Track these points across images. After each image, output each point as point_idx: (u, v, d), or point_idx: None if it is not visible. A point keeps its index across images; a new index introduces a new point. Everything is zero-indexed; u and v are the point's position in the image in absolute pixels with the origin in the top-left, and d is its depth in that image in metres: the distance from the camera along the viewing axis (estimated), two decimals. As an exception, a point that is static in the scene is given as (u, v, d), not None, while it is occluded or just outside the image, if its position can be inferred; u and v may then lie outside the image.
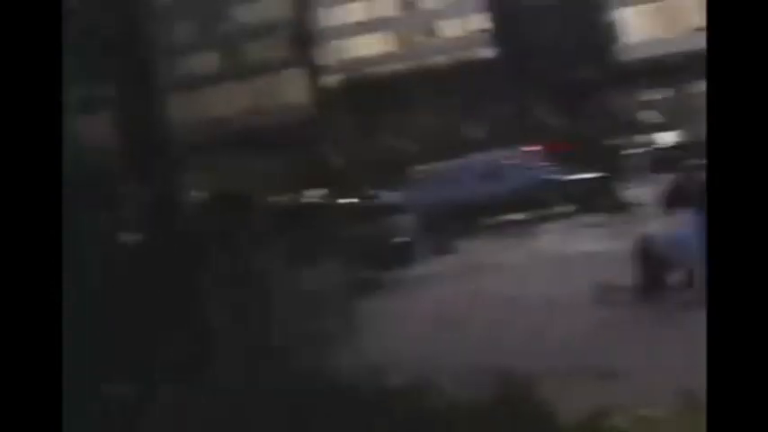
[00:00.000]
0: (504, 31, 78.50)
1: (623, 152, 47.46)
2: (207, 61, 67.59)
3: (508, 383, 6.36)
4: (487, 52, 73.84)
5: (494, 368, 6.98)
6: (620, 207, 24.82)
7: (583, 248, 16.48)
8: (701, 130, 41.14)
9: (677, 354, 6.70)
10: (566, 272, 12.85)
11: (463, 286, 13.17)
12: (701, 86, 70.88)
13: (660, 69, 75.66)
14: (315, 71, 69.73)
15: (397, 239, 18.88)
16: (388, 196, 45.47)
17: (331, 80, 71.00)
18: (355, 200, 40.12)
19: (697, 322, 7.20)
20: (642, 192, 30.16)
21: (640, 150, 60.02)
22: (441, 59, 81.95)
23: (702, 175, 8.60)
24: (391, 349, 8.29)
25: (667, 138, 65.58)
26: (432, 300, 12.16)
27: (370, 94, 56.62)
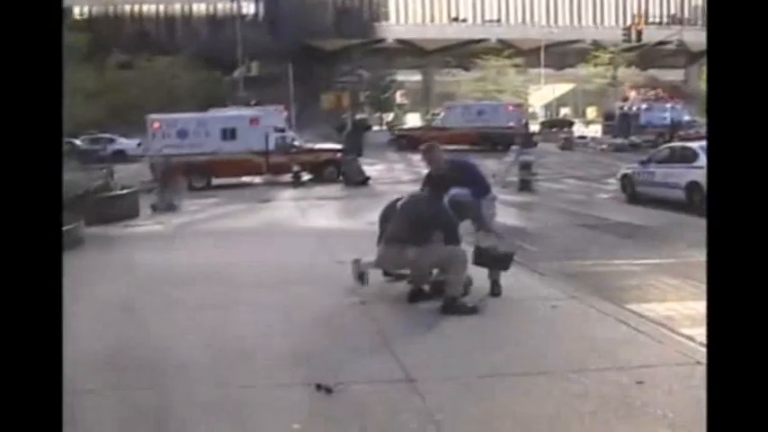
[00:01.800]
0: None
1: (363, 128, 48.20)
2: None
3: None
4: (245, 8, 72.19)
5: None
6: (359, 180, 24.85)
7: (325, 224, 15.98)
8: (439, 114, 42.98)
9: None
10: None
11: (181, 250, 12.09)
12: (447, 75, 74.42)
13: (414, 53, 78.59)
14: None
15: (122, 191, 17.30)
16: (123, 143, 42.82)
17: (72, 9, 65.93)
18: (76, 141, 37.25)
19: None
20: (381, 167, 30.98)
21: (384, 129, 61.95)
22: (197, 8, 79.18)
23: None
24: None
25: (411, 118, 68.39)
26: (140, 264, 10.85)
27: (106, 37, 52.59)
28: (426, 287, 7.72)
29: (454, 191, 7.69)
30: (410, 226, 7.42)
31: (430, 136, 39.39)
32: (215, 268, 9.74)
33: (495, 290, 7.86)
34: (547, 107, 79.01)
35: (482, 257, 7.91)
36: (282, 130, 28.76)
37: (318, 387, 5.04)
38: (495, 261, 7.94)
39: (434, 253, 7.37)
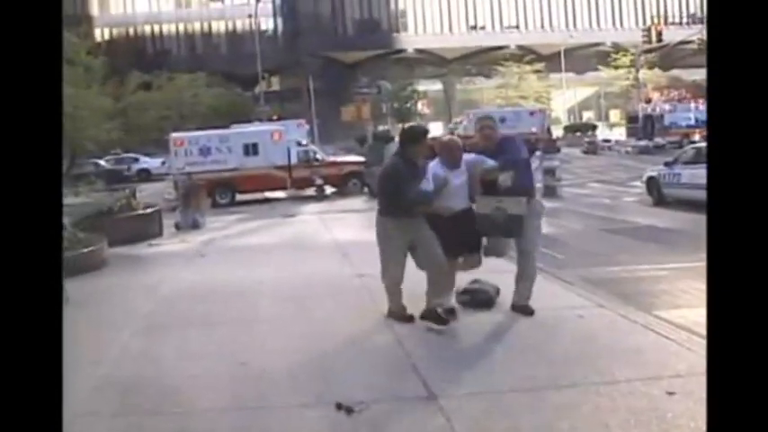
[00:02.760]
0: (287, 6, 77.66)
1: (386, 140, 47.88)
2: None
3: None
4: (264, 23, 72.57)
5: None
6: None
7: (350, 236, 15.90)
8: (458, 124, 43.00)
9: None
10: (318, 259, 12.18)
11: (205, 269, 12.07)
12: (468, 83, 74.27)
13: (434, 63, 78.52)
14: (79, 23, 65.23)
15: (145, 210, 17.31)
16: (147, 162, 43.15)
17: (94, 33, 66.62)
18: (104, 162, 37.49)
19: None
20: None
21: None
22: (216, 26, 79.76)
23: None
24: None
25: (434, 128, 68.17)
26: (165, 286, 10.85)
27: (127, 57, 52.90)
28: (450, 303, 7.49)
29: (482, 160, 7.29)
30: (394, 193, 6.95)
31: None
32: (237, 286, 9.69)
33: (517, 306, 7.35)
34: (570, 111, 78.62)
35: (482, 225, 7.11)
36: (304, 144, 28.86)
37: (339, 407, 4.93)
38: (498, 228, 7.03)
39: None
